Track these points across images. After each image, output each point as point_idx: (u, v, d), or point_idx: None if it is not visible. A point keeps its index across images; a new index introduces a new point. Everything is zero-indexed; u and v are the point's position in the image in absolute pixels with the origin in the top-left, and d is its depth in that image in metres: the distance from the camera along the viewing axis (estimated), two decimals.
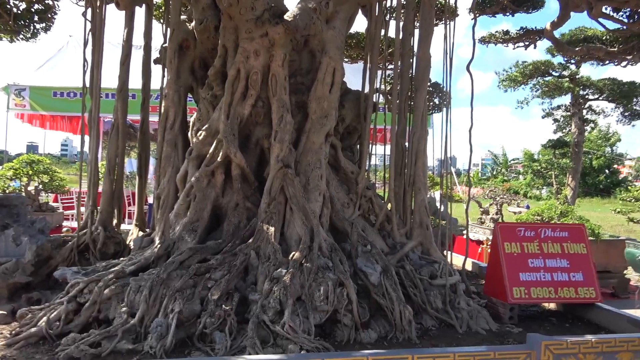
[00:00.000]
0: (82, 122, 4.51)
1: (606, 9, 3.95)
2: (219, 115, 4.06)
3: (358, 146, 4.87)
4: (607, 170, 31.52)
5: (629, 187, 7.81)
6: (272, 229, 3.79)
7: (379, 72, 4.95)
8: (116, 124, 4.26)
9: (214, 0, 4.45)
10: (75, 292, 3.30)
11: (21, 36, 4.85)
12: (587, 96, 13.92)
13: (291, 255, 3.64)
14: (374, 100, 4.59)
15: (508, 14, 5.39)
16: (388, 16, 4.94)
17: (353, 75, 5.73)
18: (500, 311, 4.11)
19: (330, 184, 4.31)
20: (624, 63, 5.13)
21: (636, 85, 12.69)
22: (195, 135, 4.31)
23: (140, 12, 4.99)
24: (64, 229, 6.58)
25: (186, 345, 3.14)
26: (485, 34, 6.83)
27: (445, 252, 4.68)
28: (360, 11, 4.83)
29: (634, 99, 13.23)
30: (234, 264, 3.53)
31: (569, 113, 14.39)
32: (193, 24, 4.54)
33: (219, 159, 3.95)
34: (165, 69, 4.66)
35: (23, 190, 6.59)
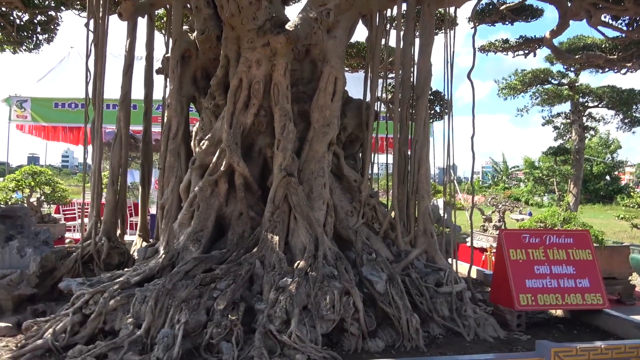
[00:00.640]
0: (86, 133, 4.52)
1: (605, 17, 3.98)
2: (221, 125, 4.07)
3: (360, 155, 4.88)
4: (607, 177, 31.58)
5: (632, 193, 7.80)
6: (276, 237, 3.78)
7: (380, 81, 4.96)
8: (119, 135, 4.27)
9: (216, 10, 4.49)
10: (81, 303, 3.27)
11: (24, 47, 4.88)
12: (586, 103, 13.97)
13: (296, 264, 3.62)
14: (376, 109, 4.60)
15: (507, 22, 5.43)
16: (388, 26, 4.97)
17: (354, 85, 5.75)
18: (507, 318, 4.08)
19: (334, 192, 4.31)
20: (623, 70, 5.16)
21: (635, 92, 12.74)
22: (198, 145, 4.32)
23: (142, 22, 5.03)
24: (67, 240, 6.56)
25: (193, 356, 3.11)
26: (485, 43, 6.89)
27: (450, 259, 4.67)
28: (360, 21, 4.87)
29: (634, 106, 13.29)
30: (240, 273, 3.52)
31: (569, 120, 14.43)
32: (195, 34, 4.57)
33: (222, 168, 3.95)
34: (168, 79, 4.68)
35: (25, 201, 6.57)
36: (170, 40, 4.59)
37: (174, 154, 3.84)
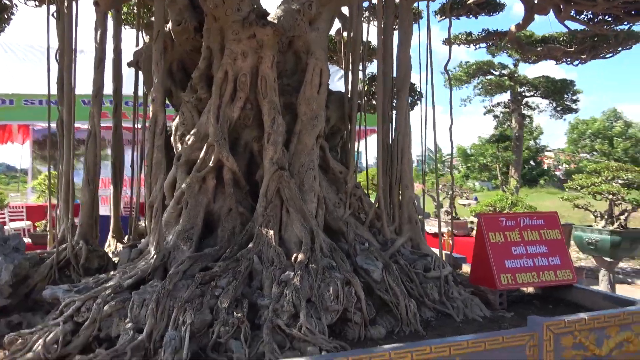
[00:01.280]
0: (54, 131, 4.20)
1: (572, 12, 4.28)
2: (207, 119, 3.95)
3: (341, 147, 4.91)
4: (532, 162, 34.00)
5: (574, 177, 8.51)
6: (271, 232, 3.73)
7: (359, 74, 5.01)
8: (93, 131, 4.01)
9: (192, 0, 4.34)
10: (72, 311, 3.07)
11: None
12: (524, 93, 14.92)
13: (294, 258, 3.61)
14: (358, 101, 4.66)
15: (472, 16, 5.67)
16: (367, 18, 5.03)
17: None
18: (490, 298, 4.30)
19: (321, 184, 4.31)
20: (576, 62, 5.61)
21: (567, 82, 13.78)
22: (180, 140, 4.16)
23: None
24: None
25: (199, 357, 3.01)
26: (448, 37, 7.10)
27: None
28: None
29: (565, 95, 14.36)
30: (239, 270, 3.45)
31: (508, 109, 15.35)
32: (170, 25, 4.38)
33: (210, 164, 3.84)
34: (141, 72, 4.46)
35: None
36: (142, 32, 4.38)
37: (161, 149, 3.67)
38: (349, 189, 4.47)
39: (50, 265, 3.78)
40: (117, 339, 3.07)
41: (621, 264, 10.13)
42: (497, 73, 13.73)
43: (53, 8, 4.27)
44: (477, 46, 6.27)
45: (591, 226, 8.58)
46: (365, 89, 5.64)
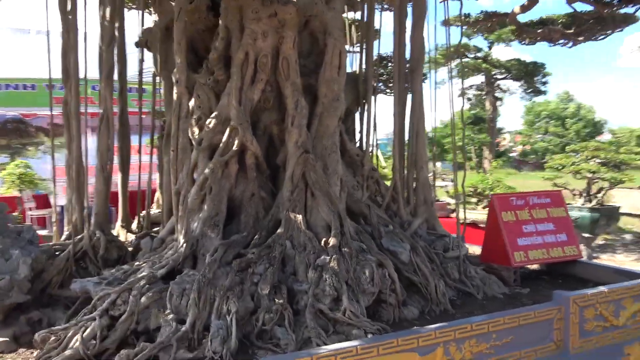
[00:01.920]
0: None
1: None
2: (227, 102, 3.80)
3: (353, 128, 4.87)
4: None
5: (553, 157, 8.95)
6: (299, 217, 3.68)
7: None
8: (105, 115, 3.78)
9: None
10: (107, 304, 2.93)
11: None
12: (496, 76, 15.29)
13: (325, 242, 3.57)
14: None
15: None
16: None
17: None
18: (504, 275, 4.44)
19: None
20: (569, 44, 5.78)
21: (538, 65, 14.22)
22: (197, 124, 4.00)
23: None
24: None
25: (244, 345, 2.96)
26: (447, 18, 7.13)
27: None
28: None
29: (535, 78, 14.83)
30: (273, 255, 3.39)
31: (481, 92, 15.72)
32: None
33: (234, 147, 3.72)
34: (152, 54, 4.25)
35: None
36: (151, 11, 4.16)
37: (186, 134, 3.51)
38: (366, 172, 4.46)
39: (67, 257, 3.58)
40: (155, 331, 2.97)
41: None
42: (472, 56, 14.00)
43: None
44: (477, 27, 6.37)
45: (570, 204, 8.97)
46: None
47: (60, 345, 2.79)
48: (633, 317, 3.76)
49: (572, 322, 3.46)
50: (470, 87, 16.18)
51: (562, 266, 4.82)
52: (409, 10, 4.58)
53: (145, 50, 4.42)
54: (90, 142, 4.27)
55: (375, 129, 4.65)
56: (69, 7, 3.91)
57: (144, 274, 3.16)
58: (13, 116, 13.42)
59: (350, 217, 4.16)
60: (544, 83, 15.35)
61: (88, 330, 2.81)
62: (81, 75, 3.99)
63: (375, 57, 5.26)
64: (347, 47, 4.90)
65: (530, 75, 14.44)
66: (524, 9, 4.94)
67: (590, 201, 8.56)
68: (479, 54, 14.01)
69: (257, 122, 4.10)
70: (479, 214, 8.52)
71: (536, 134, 45.54)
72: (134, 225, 4.84)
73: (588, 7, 4.61)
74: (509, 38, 12.92)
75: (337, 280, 3.21)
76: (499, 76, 15.20)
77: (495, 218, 4.57)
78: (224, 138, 3.75)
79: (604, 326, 3.64)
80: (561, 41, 5.76)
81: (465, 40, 13.52)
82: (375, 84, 4.84)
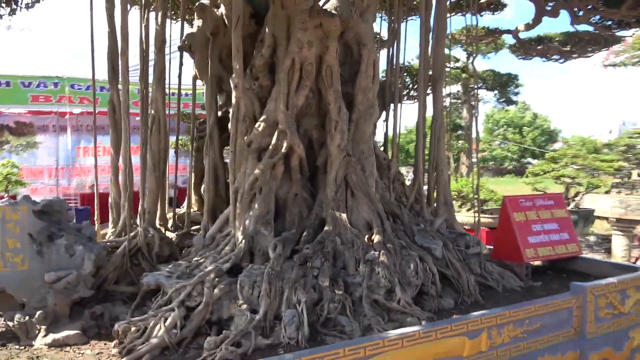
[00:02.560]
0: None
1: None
2: (275, 106, 4.03)
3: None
4: None
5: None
6: (344, 215, 3.95)
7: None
8: (157, 117, 3.92)
9: None
10: (184, 296, 3.10)
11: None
12: (471, 85, 16.05)
13: (369, 238, 3.85)
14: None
15: (476, 14, 6.16)
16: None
17: None
18: (517, 271, 4.84)
19: None
20: (562, 60, 6.35)
21: (512, 76, 15.08)
22: (242, 126, 4.19)
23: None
24: None
25: (311, 332, 3.18)
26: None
27: None
28: None
29: (509, 88, 15.71)
30: (327, 251, 3.63)
31: (457, 100, 16.45)
32: (222, 10, 4.36)
33: (283, 150, 3.94)
34: (194, 58, 4.41)
35: None
36: (195, 18, 4.33)
37: (243, 136, 3.71)
38: (392, 175, 4.77)
39: (122, 254, 3.69)
40: (228, 320, 3.16)
41: None
42: (452, 65, 14.67)
43: None
44: (479, 42, 6.86)
45: None
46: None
47: (142, 335, 2.93)
48: (636, 304, 4.24)
49: (589, 310, 3.88)
50: (448, 95, 16.93)
51: (564, 262, 5.29)
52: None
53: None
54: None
55: (399, 134, 4.97)
56: (116, 11, 4.02)
57: (210, 268, 3.34)
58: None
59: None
60: (516, 93, 16.37)
61: (169, 320, 2.97)
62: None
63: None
64: None
65: (503, 85, 15.29)
66: (528, 27, 5.43)
67: (568, 204, 9.23)
68: (457, 64, 14.71)
69: (299, 127, 4.33)
70: (464, 217, 9.01)
71: (495, 140, 47.48)
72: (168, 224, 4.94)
73: (587, 27, 5.13)
74: (487, 50, 13.63)
75: (389, 273, 3.50)
76: (475, 86, 15.98)
77: (507, 218, 4.98)
78: (273, 141, 3.97)
79: (613, 313, 4.09)
80: (555, 57, 6.30)
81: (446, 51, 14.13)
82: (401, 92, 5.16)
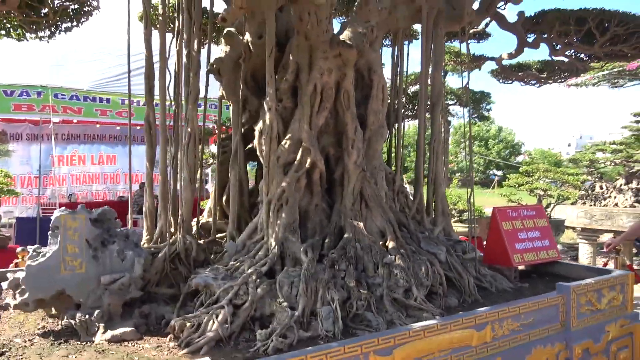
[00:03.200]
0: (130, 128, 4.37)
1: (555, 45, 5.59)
2: (299, 126, 4.48)
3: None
4: None
5: (508, 177, 10.37)
6: (361, 224, 4.42)
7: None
8: (193, 134, 4.30)
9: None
10: (232, 295, 3.49)
11: (40, 34, 4.37)
12: (447, 101, 16.96)
13: (384, 244, 4.34)
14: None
15: (462, 42, 6.84)
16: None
17: None
18: (506, 274, 5.43)
19: None
20: (537, 85, 7.11)
21: (485, 94, 16.05)
22: (268, 143, 4.61)
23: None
24: None
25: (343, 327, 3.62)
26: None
27: None
28: None
29: (481, 105, 16.66)
30: (350, 255, 4.09)
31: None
32: (248, 37, 4.80)
33: (307, 165, 4.39)
34: (222, 80, 4.82)
35: None
36: (221, 44, 4.75)
37: (276, 153, 4.14)
38: (397, 187, 5.29)
39: (163, 259, 4.04)
40: (269, 317, 3.57)
41: None
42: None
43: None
44: (463, 67, 7.57)
45: None
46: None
47: (197, 330, 3.30)
48: (609, 302, 4.87)
49: (572, 307, 4.48)
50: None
51: (544, 266, 5.93)
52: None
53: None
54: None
55: (402, 150, 5.51)
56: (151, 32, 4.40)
57: (250, 270, 3.74)
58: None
59: None
60: (488, 110, 17.38)
61: (220, 316, 3.35)
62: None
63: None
64: None
65: (477, 102, 16.23)
66: (511, 56, 6.10)
67: None
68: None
69: (318, 144, 4.80)
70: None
71: (462, 152, 49.19)
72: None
73: (562, 57, 5.84)
74: (462, 70, 14.50)
75: (406, 275, 3.99)
76: (449, 102, 16.88)
77: (497, 226, 5.57)
78: (298, 157, 4.41)
79: (591, 309, 4.70)
80: (532, 82, 7.03)
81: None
82: (404, 112, 5.71)
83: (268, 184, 4.14)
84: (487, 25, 6.68)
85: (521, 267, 6.11)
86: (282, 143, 4.45)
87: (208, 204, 5.30)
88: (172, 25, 5.06)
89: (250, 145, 5.06)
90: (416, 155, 5.48)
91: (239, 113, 4.75)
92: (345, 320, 3.66)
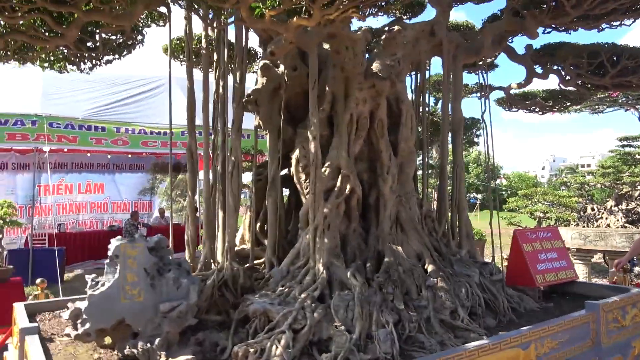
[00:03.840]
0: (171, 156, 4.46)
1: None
2: (337, 154, 4.65)
3: None
4: None
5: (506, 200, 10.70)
6: (400, 248, 4.56)
7: None
8: (236, 163, 4.41)
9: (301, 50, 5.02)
10: (291, 320, 3.55)
11: (82, 66, 4.47)
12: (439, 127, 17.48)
13: (424, 267, 4.48)
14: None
15: (471, 72, 7.20)
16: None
17: None
18: (529, 294, 5.60)
19: None
20: (541, 113, 7.49)
21: (476, 120, 16.62)
22: (303, 171, 4.75)
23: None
24: None
25: None
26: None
27: None
28: None
29: (471, 131, 17.22)
30: (394, 279, 4.21)
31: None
32: (283, 69, 4.99)
33: (346, 192, 4.54)
34: (259, 111, 4.97)
35: None
36: (258, 73, 4.93)
37: (322, 181, 4.28)
38: (424, 212, 5.46)
39: (212, 285, 4.08)
40: (326, 340, 3.63)
41: None
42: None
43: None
44: (470, 95, 7.90)
45: None
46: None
47: (261, 356, 3.34)
48: (633, 319, 5.08)
49: (602, 324, 4.66)
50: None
51: (562, 286, 6.13)
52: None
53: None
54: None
55: (428, 175, 5.71)
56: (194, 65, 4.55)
57: (304, 295, 3.82)
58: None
59: None
60: (478, 136, 17.98)
61: (282, 342, 3.41)
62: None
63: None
64: None
65: (468, 128, 16.76)
66: (520, 86, 6.46)
67: None
68: (427, 109, 16.07)
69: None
70: None
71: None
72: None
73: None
74: (481, 98, 15.02)
75: (451, 296, 4.12)
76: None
77: (518, 248, 5.77)
78: (337, 183, 4.56)
79: (618, 326, 4.89)
80: (536, 110, 7.40)
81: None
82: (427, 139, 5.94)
83: (314, 211, 4.26)
84: (495, 57, 7.08)
85: (541, 288, 6.31)
86: (322, 170, 4.59)
87: (240, 231, 5.37)
88: (194, 59, 5.21)
89: (283, 173, 5.19)
90: (439, 180, 5.69)
91: (276, 142, 4.89)
92: (398, 342, 3.75)
